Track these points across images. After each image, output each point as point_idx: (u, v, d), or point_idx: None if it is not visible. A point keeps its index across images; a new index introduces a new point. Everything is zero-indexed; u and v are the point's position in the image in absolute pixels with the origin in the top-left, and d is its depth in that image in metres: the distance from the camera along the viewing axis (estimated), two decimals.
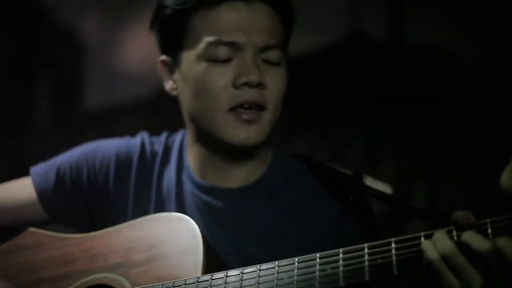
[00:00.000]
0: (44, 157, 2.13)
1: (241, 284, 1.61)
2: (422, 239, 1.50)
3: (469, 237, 1.46)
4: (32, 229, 2.01)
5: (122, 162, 2.03)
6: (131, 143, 2.06)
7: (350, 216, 1.90)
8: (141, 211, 1.93)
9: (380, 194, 1.86)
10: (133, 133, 2.12)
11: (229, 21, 1.87)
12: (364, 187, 1.86)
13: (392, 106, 4.21)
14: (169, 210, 1.94)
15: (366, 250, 1.53)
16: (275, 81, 1.88)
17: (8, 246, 2.00)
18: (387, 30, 4.52)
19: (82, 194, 2.03)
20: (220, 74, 1.86)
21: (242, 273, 1.62)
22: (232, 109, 1.86)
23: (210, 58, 1.87)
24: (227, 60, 1.86)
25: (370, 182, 1.87)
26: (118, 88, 4.56)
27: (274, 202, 1.92)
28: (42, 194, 2.04)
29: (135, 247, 1.81)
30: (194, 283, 1.66)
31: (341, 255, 1.55)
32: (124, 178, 2.01)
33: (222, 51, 1.86)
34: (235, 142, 1.87)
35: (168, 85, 1.98)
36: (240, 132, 1.86)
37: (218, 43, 1.86)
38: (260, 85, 1.85)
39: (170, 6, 1.92)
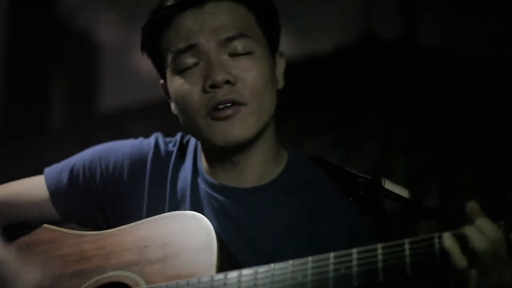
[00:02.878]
0: (59, 158, 2.14)
1: (255, 283, 1.61)
2: (436, 240, 1.50)
3: (483, 223, 1.50)
4: (46, 225, 2.02)
5: (136, 163, 2.03)
6: (145, 144, 2.06)
7: (367, 220, 1.89)
8: (156, 211, 1.93)
9: (398, 198, 1.85)
10: (146, 135, 2.13)
11: (185, 27, 1.87)
12: (382, 190, 1.86)
13: (405, 105, 4.22)
14: (184, 209, 1.93)
15: (379, 251, 1.53)
16: (247, 71, 1.86)
17: (23, 243, 2.01)
18: (400, 30, 4.53)
19: (95, 194, 2.04)
20: (190, 81, 1.87)
21: (257, 272, 1.63)
22: (209, 112, 1.86)
23: (178, 69, 1.88)
24: (195, 66, 1.87)
25: (388, 185, 1.86)
26: (132, 90, 4.58)
27: (289, 202, 1.91)
28: (55, 195, 2.05)
29: (149, 245, 1.82)
30: (209, 281, 1.66)
31: (354, 255, 1.55)
32: (139, 178, 2.02)
33: (186, 58, 1.87)
34: (220, 142, 1.87)
35: (172, 106, 2.00)
36: (221, 130, 1.85)
37: (179, 51, 1.87)
38: (228, 82, 1.84)
39: (143, 31, 1.96)
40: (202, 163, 1.99)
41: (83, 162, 2.06)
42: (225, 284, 1.64)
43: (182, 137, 2.07)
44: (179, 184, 1.99)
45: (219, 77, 1.83)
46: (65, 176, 2.05)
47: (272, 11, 1.96)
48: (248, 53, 1.86)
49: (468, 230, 1.49)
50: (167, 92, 1.99)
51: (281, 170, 1.96)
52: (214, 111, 1.85)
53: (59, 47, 5.08)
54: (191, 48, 1.86)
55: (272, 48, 1.95)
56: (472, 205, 1.54)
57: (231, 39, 1.85)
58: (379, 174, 1.89)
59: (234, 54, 1.86)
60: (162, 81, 2.00)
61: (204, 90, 1.85)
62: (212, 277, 1.67)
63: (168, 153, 2.04)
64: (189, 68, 1.87)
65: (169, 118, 2.00)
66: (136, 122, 4.29)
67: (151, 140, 2.07)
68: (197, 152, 2.02)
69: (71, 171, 2.05)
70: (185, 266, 1.74)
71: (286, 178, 1.95)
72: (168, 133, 2.13)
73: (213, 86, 1.84)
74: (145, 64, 2.09)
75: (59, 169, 2.08)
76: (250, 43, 1.87)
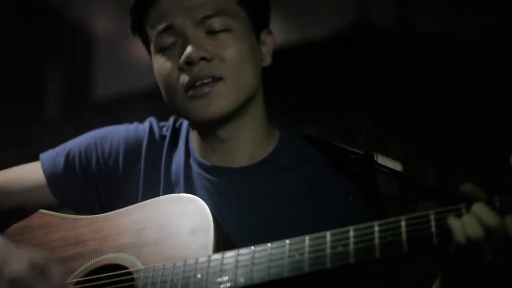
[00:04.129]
0: (55, 146, 2.14)
1: (252, 261, 1.62)
2: (432, 216, 1.51)
3: (480, 210, 1.48)
4: (42, 210, 2.02)
5: (131, 147, 2.04)
6: (140, 128, 2.08)
7: (359, 195, 1.90)
8: (151, 194, 1.93)
9: (391, 172, 1.85)
10: (142, 121, 2.13)
11: (163, 8, 1.89)
12: (375, 165, 1.86)
13: (400, 93, 4.22)
14: (178, 192, 1.94)
15: (376, 228, 1.54)
16: (225, 48, 1.87)
17: (19, 228, 2.02)
18: (394, 18, 4.52)
19: (91, 179, 2.05)
20: (169, 60, 1.90)
21: (254, 251, 1.63)
22: (187, 91, 1.88)
23: (159, 48, 1.91)
24: (173, 45, 1.89)
25: (381, 159, 1.87)
26: (127, 78, 4.58)
27: (281, 180, 1.92)
28: (51, 179, 2.06)
29: (146, 228, 1.82)
30: (206, 261, 1.67)
31: (351, 233, 1.56)
32: (134, 163, 2.03)
33: (164, 38, 1.89)
34: (198, 117, 1.89)
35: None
36: (198, 107, 1.87)
37: (159, 32, 1.90)
38: (203, 59, 1.86)
39: (130, 12, 1.99)
40: (194, 145, 2.00)
41: (79, 146, 2.07)
42: (222, 263, 1.65)
43: (175, 121, 2.09)
44: (173, 167, 2.00)
45: (194, 54, 1.85)
46: (61, 160, 2.06)
47: None
48: (225, 30, 1.88)
49: (465, 218, 1.49)
50: None
51: (273, 149, 1.97)
52: (193, 89, 1.87)
53: (54, 35, 5.07)
54: (169, 28, 1.89)
55: (258, 26, 1.96)
56: (466, 188, 1.55)
57: (208, 17, 1.87)
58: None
59: (211, 32, 1.88)
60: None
61: (181, 68, 1.87)
62: (209, 257, 1.67)
63: (162, 138, 2.05)
64: (168, 47, 1.90)
65: (163, 104, 2.01)
66: (132, 109, 4.29)
67: (146, 125, 2.08)
68: (189, 135, 2.03)
69: (67, 156, 2.06)
70: (182, 247, 1.74)
71: (277, 157, 1.96)
72: (164, 119, 2.13)
73: (189, 63, 1.86)
74: (139, 51, 2.10)
75: (55, 153, 2.09)
76: (228, 21, 1.88)
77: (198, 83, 1.86)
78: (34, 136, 4.65)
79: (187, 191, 1.94)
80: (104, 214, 1.93)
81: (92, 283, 1.82)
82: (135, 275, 1.77)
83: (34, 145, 4.46)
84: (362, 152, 1.90)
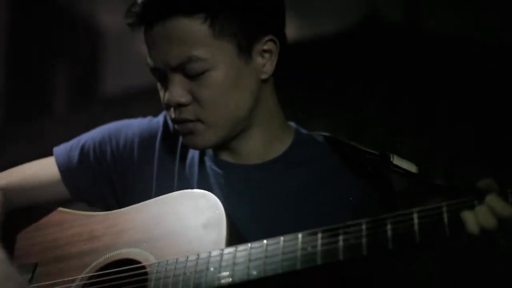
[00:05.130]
0: (65, 141, 2.14)
1: (265, 254, 1.63)
2: (444, 208, 1.53)
3: (493, 201, 1.52)
4: (61, 208, 2.04)
5: (146, 141, 2.05)
6: (154, 122, 2.08)
7: (373, 195, 1.91)
8: (164, 188, 1.94)
9: (406, 173, 1.84)
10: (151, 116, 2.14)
11: (148, 45, 1.90)
12: (391, 166, 1.85)
13: (409, 87, 4.22)
14: (192, 187, 1.95)
15: (388, 220, 1.56)
16: (203, 90, 1.85)
17: (36, 226, 2.04)
18: (403, 13, 4.52)
19: (106, 172, 2.05)
20: (162, 90, 1.92)
21: (266, 244, 1.65)
22: (174, 122, 1.93)
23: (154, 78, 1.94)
24: (164, 79, 1.90)
25: (396, 160, 1.85)
26: (135, 73, 4.59)
27: (293, 177, 1.93)
28: (66, 173, 2.06)
29: (159, 223, 1.84)
30: (219, 255, 1.68)
31: (363, 226, 1.57)
32: (148, 156, 2.03)
33: (154, 73, 1.91)
34: (189, 146, 1.96)
35: None
36: (185, 139, 1.93)
37: (150, 68, 1.92)
38: (181, 105, 1.87)
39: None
40: None
41: (93, 140, 2.07)
42: (235, 257, 1.66)
43: None
44: (187, 162, 2.00)
45: (171, 100, 1.87)
46: (75, 154, 2.06)
47: (239, 8, 1.86)
48: (201, 73, 1.85)
49: (478, 209, 1.52)
50: None
51: (287, 147, 1.97)
52: (177, 124, 1.91)
53: (62, 31, 5.08)
54: (155, 69, 1.90)
55: (248, 44, 1.87)
56: (481, 184, 1.57)
57: (180, 65, 1.85)
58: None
59: (187, 76, 1.86)
60: None
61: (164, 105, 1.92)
62: (222, 251, 1.69)
63: (177, 131, 2.05)
64: (159, 80, 1.92)
65: None
66: (141, 104, 4.29)
67: (160, 118, 2.08)
68: None
69: (82, 149, 2.06)
70: (195, 242, 1.75)
71: (291, 155, 1.96)
72: None
73: (169, 106, 1.89)
74: None
75: (69, 147, 2.09)
76: (201, 63, 1.84)
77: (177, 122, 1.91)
78: (43, 130, 4.66)
79: (200, 186, 1.94)
80: (118, 210, 1.95)
81: (106, 278, 1.83)
82: (148, 269, 1.78)
83: (43, 139, 4.47)
84: (377, 153, 1.88)
